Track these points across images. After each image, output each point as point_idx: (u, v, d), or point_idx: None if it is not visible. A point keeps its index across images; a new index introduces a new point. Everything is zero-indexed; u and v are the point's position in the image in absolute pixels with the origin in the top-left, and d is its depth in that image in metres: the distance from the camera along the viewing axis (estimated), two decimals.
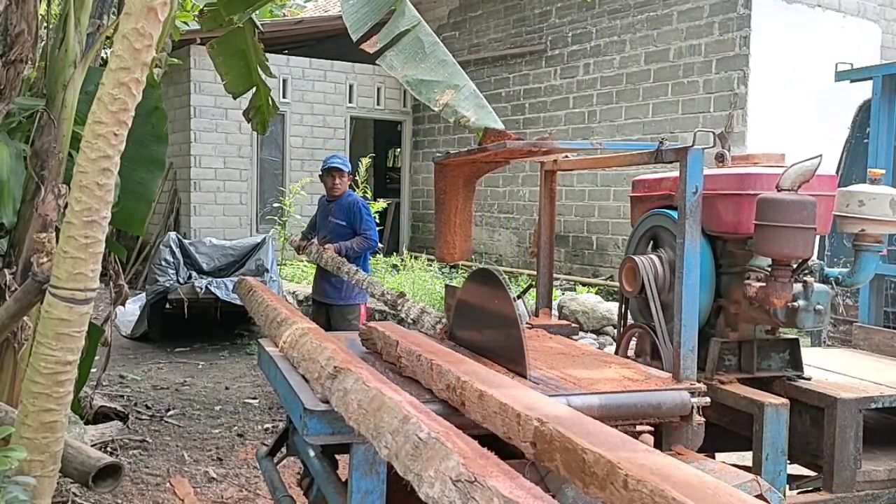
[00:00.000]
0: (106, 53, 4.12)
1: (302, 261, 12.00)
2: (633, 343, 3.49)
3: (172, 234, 8.56)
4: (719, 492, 1.33)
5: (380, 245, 5.89)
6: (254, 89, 5.28)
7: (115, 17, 3.38)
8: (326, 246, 5.45)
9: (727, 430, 3.18)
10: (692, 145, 2.72)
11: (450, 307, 3.30)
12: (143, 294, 8.34)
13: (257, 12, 5.06)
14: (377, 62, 3.23)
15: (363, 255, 5.73)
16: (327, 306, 5.73)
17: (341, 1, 3.33)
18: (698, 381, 2.72)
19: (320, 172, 5.99)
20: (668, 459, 1.48)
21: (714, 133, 3.00)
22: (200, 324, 8.14)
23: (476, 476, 1.25)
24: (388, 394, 1.74)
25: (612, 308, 7.80)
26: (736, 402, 3.01)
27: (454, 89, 3.09)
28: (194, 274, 8.14)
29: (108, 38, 3.40)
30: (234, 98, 5.41)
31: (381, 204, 11.30)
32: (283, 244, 11.62)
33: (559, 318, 6.99)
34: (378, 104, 13.67)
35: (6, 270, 3.08)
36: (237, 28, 4.88)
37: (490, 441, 1.70)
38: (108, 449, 4.56)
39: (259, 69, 5.16)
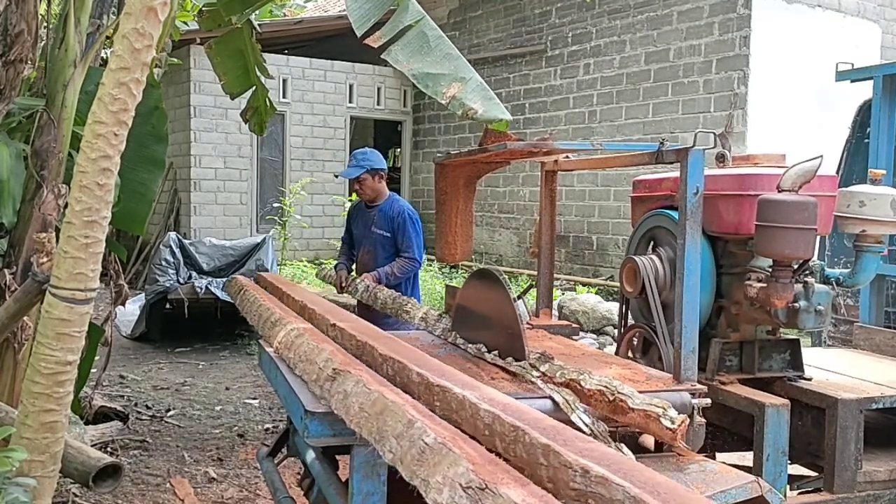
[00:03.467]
0: (106, 53, 4.12)
1: (303, 260, 12.03)
2: (633, 343, 3.49)
3: (172, 234, 8.56)
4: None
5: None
6: (252, 90, 5.28)
7: (115, 17, 3.38)
8: (379, 287, 4.19)
9: (728, 430, 3.18)
10: (693, 146, 2.72)
11: (450, 307, 3.29)
12: (143, 294, 8.34)
13: (256, 13, 5.06)
14: (382, 56, 3.21)
15: (411, 277, 4.76)
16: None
17: None
18: (699, 382, 2.72)
19: None
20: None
21: (714, 133, 3.01)
22: (200, 324, 8.13)
23: (487, 483, 1.24)
24: (390, 397, 1.73)
25: (612, 308, 7.80)
26: (737, 402, 3.01)
27: (461, 82, 3.08)
28: (194, 274, 8.14)
29: (108, 38, 3.40)
30: (232, 98, 5.40)
31: None
32: (284, 244, 11.61)
33: (559, 318, 6.99)
34: (378, 104, 13.67)
35: (6, 270, 3.08)
36: (236, 28, 4.89)
37: None
38: (109, 449, 4.56)
39: (257, 70, 5.16)
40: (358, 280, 4.34)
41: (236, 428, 5.35)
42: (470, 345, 2.88)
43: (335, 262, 5.11)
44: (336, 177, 5.07)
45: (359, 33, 3.18)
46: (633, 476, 1.25)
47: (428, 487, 1.35)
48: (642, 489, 1.19)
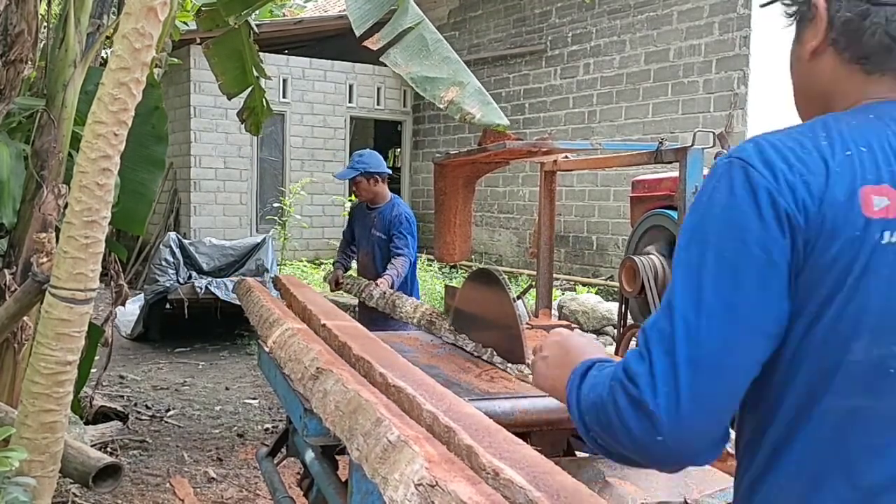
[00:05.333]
0: (106, 53, 4.12)
1: (303, 260, 12.03)
2: (633, 343, 3.50)
3: (172, 234, 8.57)
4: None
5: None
6: (249, 90, 5.28)
7: (115, 17, 3.39)
8: (397, 295, 4.04)
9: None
10: (692, 145, 2.72)
11: (449, 307, 3.30)
12: (143, 294, 8.35)
13: (255, 13, 5.06)
14: (381, 59, 3.22)
15: (410, 275, 4.77)
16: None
17: None
18: None
19: None
20: None
21: (714, 133, 3.01)
22: (200, 324, 8.14)
23: (437, 480, 1.25)
24: (364, 396, 1.73)
25: (612, 308, 7.80)
26: None
27: (459, 86, 3.09)
28: (194, 274, 8.14)
29: (108, 38, 3.40)
30: (230, 98, 5.40)
31: None
32: (284, 244, 11.62)
33: (559, 319, 6.99)
34: (378, 104, 13.68)
35: (6, 270, 3.08)
36: (234, 29, 4.89)
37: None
38: (108, 449, 4.56)
39: (254, 70, 5.17)
40: (372, 286, 4.22)
41: (236, 428, 5.35)
42: (502, 358, 2.76)
43: (334, 260, 5.17)
44: (334, 177, 5.18)
45: (358, 33, 3.18)
46: (543, 480, 1.29)
47: (386, 485, 1.35)
48: (544, 492, 1.22)
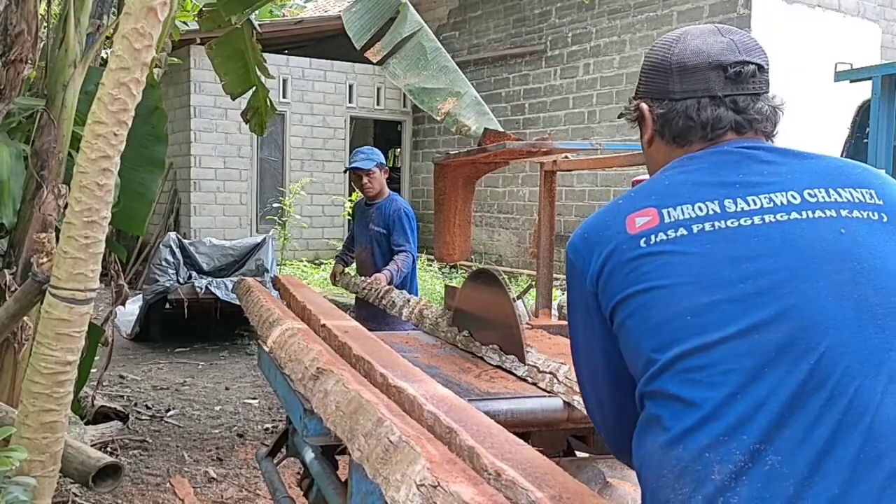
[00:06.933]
0: (106, 53, 4.12)
1: (302, 260, 12.03)
2: None
3: (172, 234, 8.56)
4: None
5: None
6: (252, 90, 5.28)
7: (115, 17, 3.39)
8: (378, 277, 4.35)
9: None
10: None
11: (449, 307, 3.30)
12: (141, 294, 8.34)
13: (256, 13, 5.06)
14: (381, 70, 3.25)
15: (410, 273, 4.79)
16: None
17: (344, 10, 3.35)
18: None
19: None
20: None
21: None
22: (200, 324, 8.14)
23: (439, 481, 1.25)
24: (365, 396, 1.73)
25: None
26: None
27: (456, 97, 3.11)
28: (194, 274, 8.14)
29: (108, 38, 3.40)
30: (233, 99, 5.40)
31: None
32: (284, 244, 11.62)
33: (559, 319, 6.98)
34: (378, 104, 13.68)
35: (6, 270, 3.08)
36: (236, 29, 4.89)
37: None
38: (108, 449, 4.56)
39: (257, 70, 5.17)
40: (383, 288, 4.03)
41: (236, 428, 5.35)
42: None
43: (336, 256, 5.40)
44: (345, 171, 5.21)
45: (357, 46, 3.21)
46: (545, 481, 1.31)
47: (388, 486, 1.36)
48: (546, 493, 1.24)
